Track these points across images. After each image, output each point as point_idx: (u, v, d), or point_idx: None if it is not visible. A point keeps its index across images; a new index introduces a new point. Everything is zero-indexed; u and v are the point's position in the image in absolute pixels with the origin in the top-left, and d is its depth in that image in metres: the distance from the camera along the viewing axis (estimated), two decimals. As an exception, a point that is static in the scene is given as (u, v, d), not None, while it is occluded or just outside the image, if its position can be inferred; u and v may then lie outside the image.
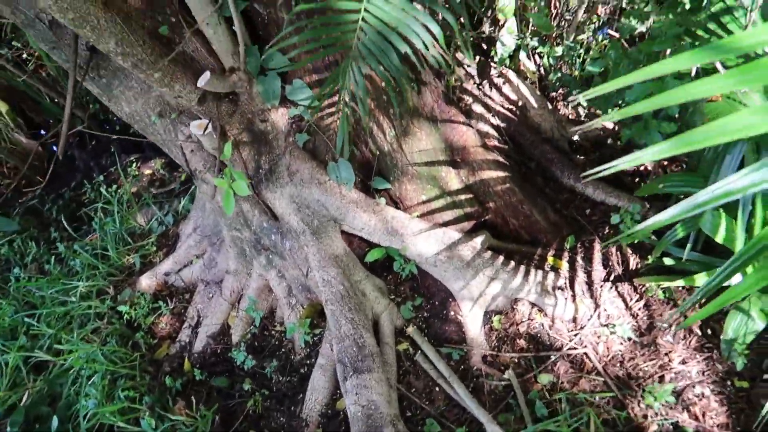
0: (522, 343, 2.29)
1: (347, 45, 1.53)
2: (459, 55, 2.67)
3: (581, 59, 2.65)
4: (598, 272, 2.43)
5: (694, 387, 2.00)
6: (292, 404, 2.36)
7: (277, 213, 2.41)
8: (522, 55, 2.58)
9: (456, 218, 2.46)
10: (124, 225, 3.49)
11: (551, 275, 2.39)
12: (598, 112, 2.80)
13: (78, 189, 4.24)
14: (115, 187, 3.81)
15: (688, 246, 2.08)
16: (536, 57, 2.73)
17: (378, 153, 2.34)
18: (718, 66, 1.70)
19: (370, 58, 1.50)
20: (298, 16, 1.81)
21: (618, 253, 2.44)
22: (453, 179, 2.43)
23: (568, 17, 2.65)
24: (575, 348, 2.21)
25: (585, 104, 2.77)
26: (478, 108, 2.67)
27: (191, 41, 2.08)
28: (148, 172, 4.10)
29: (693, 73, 1.82)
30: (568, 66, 2.67)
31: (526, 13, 2.48)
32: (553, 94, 2.94)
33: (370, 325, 2.29)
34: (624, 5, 2.46)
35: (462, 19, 1.63)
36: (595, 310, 2.30)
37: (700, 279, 2.01)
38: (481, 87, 2.73)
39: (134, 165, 4.16)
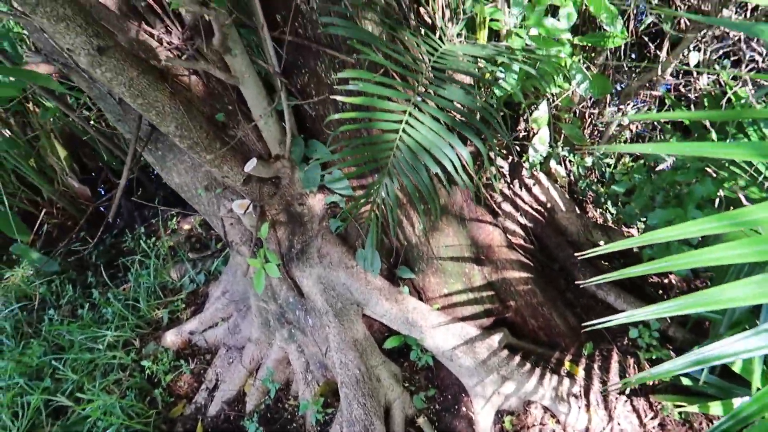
0: (531, 448, 2.28)
1: (383, 162, 1.65)
2: (493, 155, 2.80)
3: (611, 171, 2.74)
4: (615, 383, 2.42)
5: None
6: (297, 483, 2.37)
7: (304, 291, 2.51)
8: (552, 162, 2.69)
9: (476, 314, 2.51)
10: (157, 278, 3.63)
11: (567, 381, 2.40)
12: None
13: (119, 237, 4.44)
14: (153, 239, 3.99)
15: (705, 371, 2.08)
16: (567, 163, 2.83)
17: (406, 244, 2.44)
18: (742, 198, 1.76)
19: (402, 175, 1.62)
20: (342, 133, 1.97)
21: (636, 366, 2.44)
22: (476, 275, 2.51)
23: (600, 129, 2.77)
24: (584, 461, 2.19)
25: (614, 212, 2.84)
26: (507, 206, 2.76)
27: (242, 127, 2.26)
28: (186, 227, 4.28)
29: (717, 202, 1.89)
30: (598, 176, 2.77)
31: (560, 123, 2.60)
32: (582, 198, 3.02)
33: (381, 412, 2.32)
34: (650, 133, 2.57)
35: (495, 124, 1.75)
36: (608, 423, 2.29)
37: (715, 408, 2.01)
38: (512, 186, 2.83)
39: (174, 219, 4.35)
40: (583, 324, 1.73)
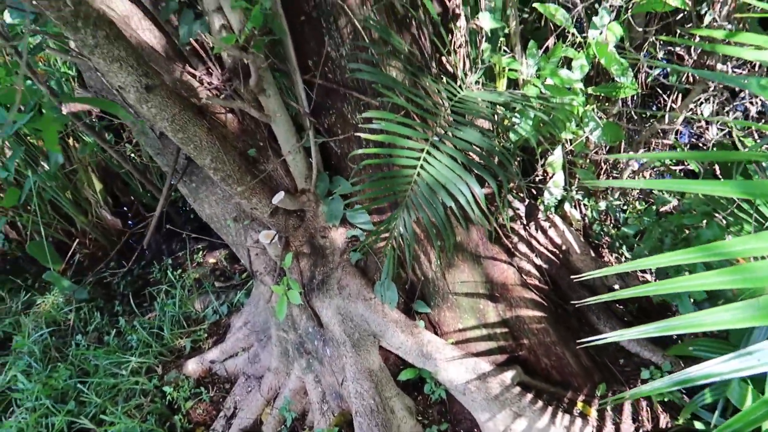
0: (541, 486, 2.29)
1: (402, 195, 1.77)
2: (510, 197, 2.90)
3: (625, 215, 2.82)
4: (627, 426, 2.44)
5: None
6: None
7: (323, 321, 2.60)
8: (567, 205, 2.78)
9: (489, 350, 2.57)
10: (182, 309, 3.75)
11: (579, 421, 2.42)
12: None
13: (147, 268, 4.59)
14: (180, 271, 4.13)
15: (716, 414, 2.10)
16: (582, 207, 2.92)
17: (422, 278, 2.53)
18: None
19: (419, 209, 1.73)
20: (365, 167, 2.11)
21: (649, 408, 2.46)
22: (490, 312, 2.58)
23: (614, 175, 2.86)
24: (595, 501, 2.20)
25: (629, 255, 2.90)
26: (522, 247, 2.85)
27: (272, 162, 2.41)
28: (212, 260, 4.42)
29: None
30: (612, 219, 2.85)
31: (575, 168, 2.71)
32: (597, 242, 3.09)
33: (394, 443, 2.37)
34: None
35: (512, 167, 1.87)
36: (619, 465, 2.30)
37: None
38: (527, 228, 2.92)
39: (201, 253, 4.50)
40: (577, 341, 1.77)
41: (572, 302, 2.80)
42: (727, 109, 2.49)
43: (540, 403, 2.41)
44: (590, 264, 2.93)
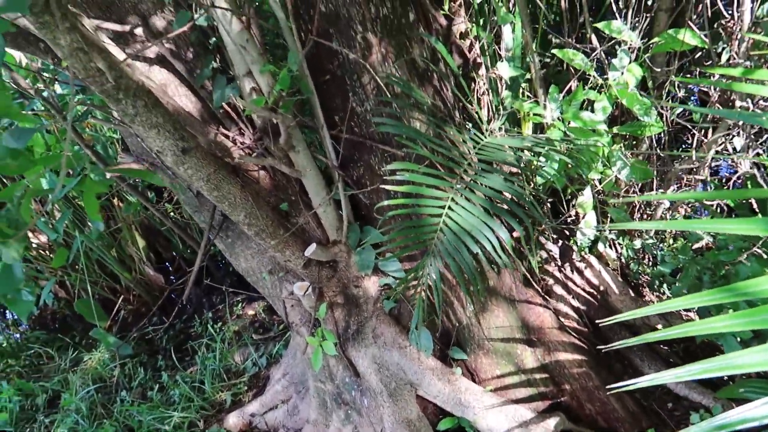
0: None
1: (429, 244, 1.80)
2: (542, 239, 2.89)
3: (662, 252, 2.77)
4: (679, 472, 2.33)
5: None
6: None
7: (359, 371, 2.60)
8: (601, 245, 2.75)
9: (530, 396, 2.51)
10: (222, 362, 3.80)
11: (627, 469, 2.33)
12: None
13: (188, 322, 4.69)
14: (220, 324, 4.20)
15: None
16: (617, 246, 2.88)
17: (457, 324, 2.52)
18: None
19: (446, 255, 1.76)
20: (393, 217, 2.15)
21: (701, 454, 2.34)
22: (528, 357, 2.53)
23: (648, 213, 2.83)
24: None
25: (671, 294, 2.83)
26: (558, 289, 2.81)
27: (303, 215, 2.48)
28: (251, 312, 4.49)
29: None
30: (651, 258, 2.79)
31: (607, 207, 2.69)
32: (636, 282, 3.03)
33: (435, 496, 2.32)
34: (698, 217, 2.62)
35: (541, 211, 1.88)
36: None
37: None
38: (562, 269, 2.89)
39: (240, 305, 4.58)
40: (607, 387, 1.72)
41: (613, 344, 2.73)
42: (760, 141, 2.46)
43: (585, 452, 2.33)
44: (630, 304, 2.86)
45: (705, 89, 2.45)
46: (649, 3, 2.61)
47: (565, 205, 2.85)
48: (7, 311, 5.53)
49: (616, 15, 2.57)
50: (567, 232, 2.95)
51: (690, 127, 2.60)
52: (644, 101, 2.15)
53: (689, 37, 2.06)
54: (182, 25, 2.08)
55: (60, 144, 3.28)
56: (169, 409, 3.45)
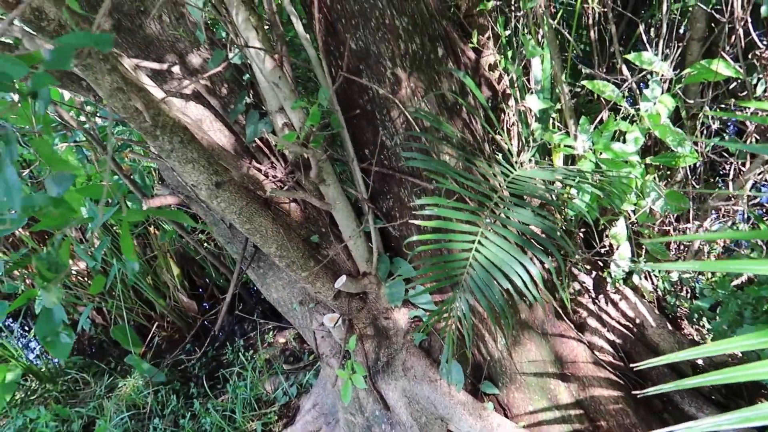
0: None
1: (459, 278, 1.79)
2: (574, 270, 2.84)
3: (700, 285, 2.69)
4: None
5: None
6: None
7: (389, 404, 2.57)
8: (636, 277, 2.69)
9: (564, 433, 2.45)
10: (253, 390, 3.81)
11: None
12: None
13: (221, 349, 4.73)
14: (251, 352, 4.22)
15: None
16: (653, 278, 2.82)
17: (488, 358, 2.48)
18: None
19: (476, 290, 1.74)
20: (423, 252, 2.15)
21: (746, 498, 2.24)
22: (562, 392, 2.47)
23: (685, 244, 2.76)
24: None
25: (710, 329, 2.74)
26: (592, 322, 2.75)
27: (334, 247, 2.49)
28: (281, 341, 4.50)
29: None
30: (689, 290, 2.72)
31: (641, 239, 2.64)
32: (674, 315, 2.95)
33: None
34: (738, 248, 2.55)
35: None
36: None
37: None
38: (596, 301, 2.83)
39: (271, 333, 4.60)
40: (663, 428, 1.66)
41: (649, 390, 2.65)
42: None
43: (623, 492, 2.25)
44: (668, 338, 2.78)
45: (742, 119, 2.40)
46: (681, 32, 2.58)
47: (597, 235, 2.81)
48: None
49: (647, 44, 2.56)
50: (600, 263, 2.90)
51: (726, 156, 2.55)
52: (678, 132, 2.11)
53: (723, 68, 2.03)
54: (218, 64, 2.15)
55: (100, 174, 3.39)
56: (201, 438, 3.48)
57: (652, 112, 2.20)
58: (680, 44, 2.51)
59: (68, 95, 3.36)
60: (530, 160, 2.31)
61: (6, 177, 0.71)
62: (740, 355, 2.73)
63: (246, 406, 3.72)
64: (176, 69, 2.35)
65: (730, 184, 2.31)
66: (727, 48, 2.33)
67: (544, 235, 1.96)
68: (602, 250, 2.87)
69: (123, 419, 3.89)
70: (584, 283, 2.85)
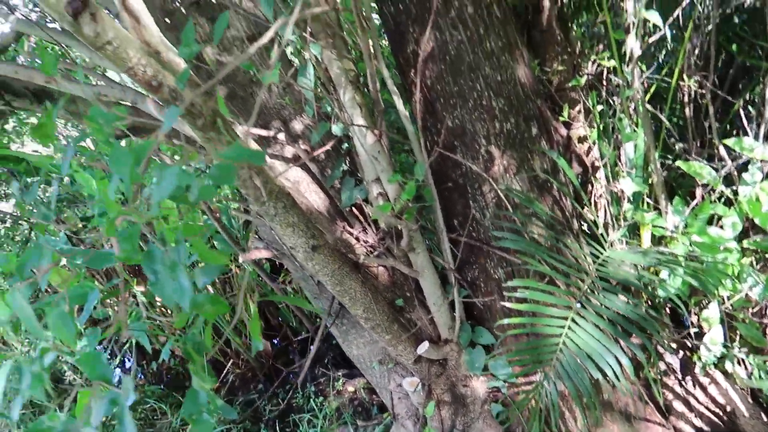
0: None
1: (546, 364, 1.80)
2: (661, 349, 2.75)
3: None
4: None
5: None
6: None
7: (463, 473, 2.56)
8: (728, 363, 2.58)
9: None
10: (322, 439, 3.87)
11: None
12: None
13: (292, 392, 4.83)
14: (321, 398, 4.30)
15: None
16: (747, 365, 2.68)
17: (568, 436, 2.44)
18: None
19: (565, 377, 1.74)
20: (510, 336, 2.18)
21: None
22: (645, 480, 2.38)
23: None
24: None
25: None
26: (678, 406, 2.65)
27: (417, 311, 2.55)
28: (351, 389, 4.55)
29: None
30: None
31: (735, 322, 2.54)
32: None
33: None
34: None
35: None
36: None
37: None
38: (683, 384, 2.73)
39: (341, 380, 4.67)
40: None
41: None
42: None
43: None
44: (762, 430, 2.63)
45: None
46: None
47: (687, 312, 2.72)
48: (126, 361, 6.00)
49: (744, 120, 2.51)
50: (689, 344, 2.80)
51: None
52: (779, 221, 2.05)
53: (830, 158, 1.97)
54: (321, 135, 2.30)
55: (192, 215, 3.62)
56: (269, 483, 3.55)
57: (752, 197, 2.15)
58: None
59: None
60: (620, 240, 2.30)
61: (180, 282, 0.82)
62: None
63: (316, 455, 3.77)
64: (281, 135, 2.52)
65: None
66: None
67: (632, 320, 1.93)
68: (691, 330, 2.77)
69: (197, 455, 4.02)
70: (670, 363, 2.75)
